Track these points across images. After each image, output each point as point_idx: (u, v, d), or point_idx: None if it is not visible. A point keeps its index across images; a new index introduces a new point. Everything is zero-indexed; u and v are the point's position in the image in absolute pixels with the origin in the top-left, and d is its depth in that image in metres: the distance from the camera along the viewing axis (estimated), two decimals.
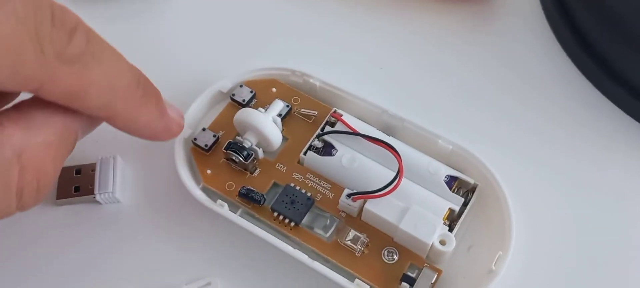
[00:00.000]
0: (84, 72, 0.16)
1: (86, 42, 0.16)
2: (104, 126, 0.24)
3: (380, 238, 0.22)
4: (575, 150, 0.26)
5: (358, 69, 0.28)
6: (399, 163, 0.22)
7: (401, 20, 0.30)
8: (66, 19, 0.16)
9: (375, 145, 0.23)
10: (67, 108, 0.17)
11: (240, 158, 0.23)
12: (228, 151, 0.23)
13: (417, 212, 0.22)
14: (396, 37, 0.29)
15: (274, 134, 0.24)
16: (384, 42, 0.29)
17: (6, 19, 0.14)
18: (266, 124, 0.23)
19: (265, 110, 0.24)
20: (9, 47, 0.14)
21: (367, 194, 0.22)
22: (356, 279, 0.21)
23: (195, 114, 0.25)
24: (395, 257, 0.22)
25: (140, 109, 0.19)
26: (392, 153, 0.23)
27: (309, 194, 0.23)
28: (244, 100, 0.25)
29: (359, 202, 0.22)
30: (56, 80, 0.16)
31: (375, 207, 0.22)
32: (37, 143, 0.17)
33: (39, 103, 0.17)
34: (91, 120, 0.19)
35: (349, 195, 0.22)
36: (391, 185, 0.22)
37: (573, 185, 0.25)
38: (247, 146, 0.23)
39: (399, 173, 0.22)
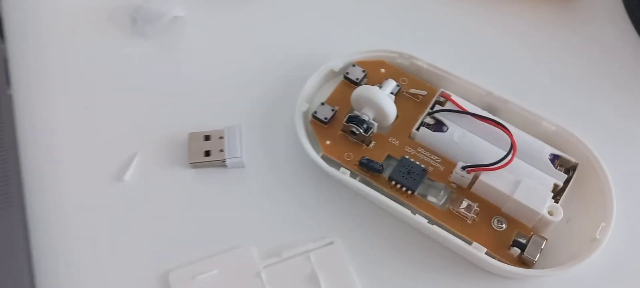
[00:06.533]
0: None
1: None
2: (227, 97, 0.28)
3: (489, 208, 0.24)
4: None
5: (461, 52, 0.30)
6: (511, 139, 0.24)
7: (501, 7, 0.31)
8: None
9: (482, 123, 0.25)
10: None
11: (361, 131, 0.25)
12: (349, 124, 0.25)
13: (529, 185, 0.24)
14: (497, 23, 0.31)
15: (391, 108, 0.26)
16: (485, 27, 0.31)
17: None
18: (385, 100, 0.25)
19: (381, 87, 0.26)
20: None
21: (483, 167, 0.24)
22: (473, 243, 0.23)
23: (310, 90, 0.27)
24: (503, 225, 0.24)
25: None
26: (503, 131, 0.25)
27: (423, 166, 0.25)
28: (357, 79, 0.27)
29: (472, 174, 0.24)
30: None
31: (490, 179, 0.24)
32: None
33: None
34: None
35: (463, 168, 0.24)
36: (506, 159, 0.24)
37: None
38: (366, 119, 0.26)
39: (512, 148, 0.24)
